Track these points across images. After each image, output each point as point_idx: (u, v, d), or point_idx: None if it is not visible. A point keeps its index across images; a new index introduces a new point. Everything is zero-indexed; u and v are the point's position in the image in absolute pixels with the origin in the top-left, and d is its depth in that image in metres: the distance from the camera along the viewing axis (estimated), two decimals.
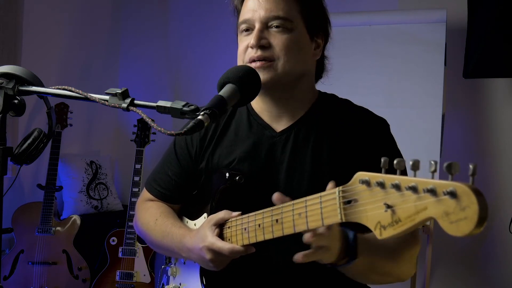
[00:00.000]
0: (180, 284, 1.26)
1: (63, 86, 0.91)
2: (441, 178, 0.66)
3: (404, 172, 0.72)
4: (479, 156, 2.76)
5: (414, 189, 0.65)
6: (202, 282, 1.16)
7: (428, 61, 2.52)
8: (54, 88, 0.91)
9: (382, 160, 0.71)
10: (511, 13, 2.28)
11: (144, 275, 2.74)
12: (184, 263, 1.26)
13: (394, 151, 1.20)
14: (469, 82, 2.63)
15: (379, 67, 2.62)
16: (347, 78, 2.56)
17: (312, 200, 0.86)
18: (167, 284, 1.30)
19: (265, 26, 1.13)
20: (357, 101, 1.28)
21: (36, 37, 2.89)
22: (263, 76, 1.09)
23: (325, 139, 1.17)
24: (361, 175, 0.74)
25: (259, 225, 0.98)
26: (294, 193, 1.15)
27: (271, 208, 0.96)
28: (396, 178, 0.68)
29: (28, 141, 0.98)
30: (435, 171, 0.65)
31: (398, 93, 2.58)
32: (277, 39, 1.12)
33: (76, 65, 3.25)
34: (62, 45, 3.13)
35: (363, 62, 2.64)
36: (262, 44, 1.11)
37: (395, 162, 0.68)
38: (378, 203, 0.70)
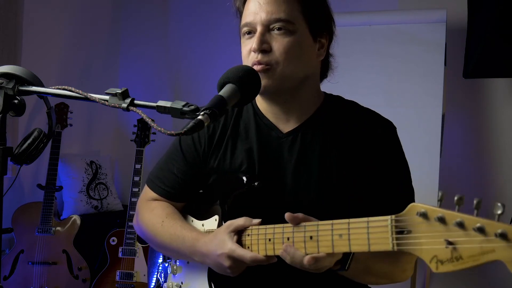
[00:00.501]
0: (182, 283, 1.24)
1: (63, 86, 0.91)
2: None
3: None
4: (479, 156, 2.76)
5: (481, 230, 0.66)
6: (210, 287, 1.15)
7: (428, 61, 2.52)
8: (54, 88, 0.91)
9: (440, 193, 0.72)
10: (511, 13, 2.28)
11: (144, 275, 2.74)
12: (188, 262, 1.24)
13: (398, 155, 1.20)
14: (469, 82, 2.63)
15: (379, 67, 2.62)
16: (347, 78, 2.54)
17: (357, 223, 0.85)
18: (165, 281, 1.29)
19: (267, 29, 1.11)
20: (357, 101, 1.27)
21: (36, 37, 2.89)
22: (263, 81, 1.08)
23: (332, 141, 1.17)
24: (417, 206, 0.75)
25: (288, 239, 0.96)
26: (301, 194, 1.15)
27: (304, 223, 0.95)
28: (459, 216, 0.69)
29: (28, 141, 0.97)
30: (502, 214, 0.65)
31: (398, 93, 2.58)
32: (278, 43, 1.10)
33: (76, 65, 3.25)
34: (62, 45, 3.14)
35: (363, 62, 2.64)
36: (264, 48, 1.10)
37: (456, 198, 0.69)
38: (438, 238, 0.71)
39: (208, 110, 0.85)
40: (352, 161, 1.15)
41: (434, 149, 2.47)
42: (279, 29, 1.11)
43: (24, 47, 2.79)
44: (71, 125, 2.86)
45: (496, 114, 2.72)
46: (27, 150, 0.97)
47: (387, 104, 2.55)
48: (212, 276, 1.15)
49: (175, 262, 1.28)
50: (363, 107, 1.24)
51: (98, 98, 0.87)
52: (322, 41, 1.19)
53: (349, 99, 1.27)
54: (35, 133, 0.99)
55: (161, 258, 1.38)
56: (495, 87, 2.70)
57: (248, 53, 1.14)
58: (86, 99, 0.88)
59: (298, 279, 1.14)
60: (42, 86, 0.93)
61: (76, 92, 0.89)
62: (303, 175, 1.16)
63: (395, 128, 1.22)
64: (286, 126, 1.20)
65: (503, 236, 0.63)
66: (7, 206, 2.55)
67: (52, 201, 2.67)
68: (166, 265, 1.31)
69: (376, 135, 1.17)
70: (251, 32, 1.14)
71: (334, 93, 1.28)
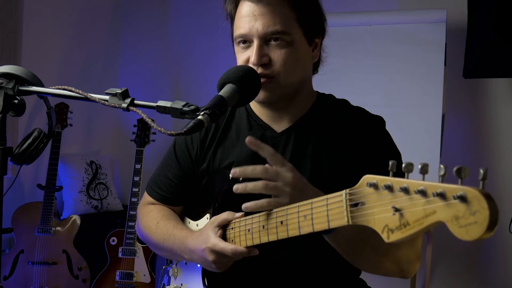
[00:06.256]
0: (181, 284, 1.26)
1: (63, 86, 0.91)
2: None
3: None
4: (479, 156, 2.76)
5: (423, 192, 0.64)
6: (204, 283, 1.16)
7: (428, 61, 2.52)
8: (54, 88, 0.91)
9: (390, 163, 0.71)
10: (511, 13, 2.28)
11: (144, 275, 2.74)
12: (186, 264, 1.26)
13: (391, 147, 1.21)
14: (469, 82, 2.63)
15: (379, 67, 2.61)
16: (347, 78, 2.56)
17: (318, 202, 0.86)
18: (168, 284, 1.30)
19: (264, 41, 1.11)
20: (357, 101, 1.28)
21: (36, 37, 2.89)
22: (265, 92, 1.09)
23: (325, 139, 1.18)
24: (368, 178, 0.74)
25: (263, 227, 0.98)
26: None
27: (276, 209, 0.96)
28: (405, 182, 0.67)
29: (28, 141, 0.98)
30: (444, 175, 0.64)
31: (398, 93, 2.58)
32: (276, 55, 1.10)
33: (76, 65, 3.25)
34: (62, 45, 3.13)
35: (363, 62, 2.64)
36: (263, 62, 1.10)
37: (403, 165, 0.68)
38: (386, 206, 0.70)
39: (208, 110, 0.85)
40: (344, 157, 1.16)
41: (434, 149, 2.47)
42: (276, 39, 1.10)
43: (24, 47, 2.79)
44: (71, 125, 2.86)
45: (496, 114, 2.72)
46: (27, 150, 0.97)
47: (387, 104, 2.55)
48: (206, 271, 1.17)
49: (176, 265, 1.29)
50: (353, 105, 1.26)
51: (98, 98, 0.88)
52: (316, 41, 1.20)
53: (348, 99, 1.28)
54: (35, 133, 0.99)
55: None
56: (495, 87, 2.70)
57: (245, 63, 1.13)
58: (86, 99, 0.88)
59: (289, 276, 1.15)
60: (42, 86, 0.93)
61: (76, 92, 0.89)
62: None
63: (384, 122, 1.23)
64: (279, 126, 1.21)
65: (441, 195, 0.62)
66: (7, 206, 2.55)
67: (52, 201, 2.67)
68: (169, 268, 1.33)
69: (367, 131, 1.19)
70: (246, 41, 1.13)
71: (334, 93, 1.29)
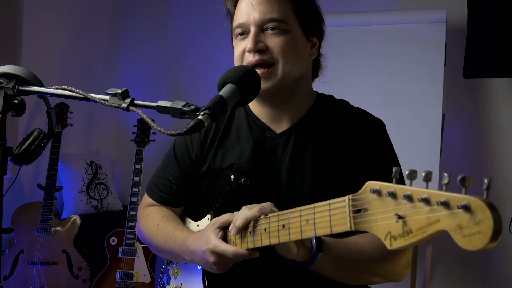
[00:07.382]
0: (181, 284, 1.26)
1: (63, 86, 0.91)
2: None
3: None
4: (479, 156, 2.76)
5: (426, 201, 0.64)
6: (204, 283, 1.16)
7: (428, 61, 2.52)
8: (54, 88, 0.91)
9: (394, 169, 0.71)
10: (511, 13, 2.28)
11: (144, 275, 2.74)
12: (186, 264, 1.26)
13: (389, 152, 1.21)
14: (469, 82, 2.63)
15: (379, 67, 2.61)
16: (347, 78, 2.56)
17: (321, 207, 0.86)
18: (168, 284, 1.30)
19: (261, 29, 1.12)
20: (357, 101, 1.28)
21: (36, 37, 2.89)
22: (264, 84, 1.09)
23: (325, 140, 1.18)
24: (371, 184, 0.74)
25: (264, 230, 0.98)
26: (296, 194, 1.16)
27: (277, 213, 0.96)
28: (408, 189, 0.67)
29: (28, 141, 0.98)
30: (448, 183, 0.64)
31: (398, 93, 2.58)
32: (273, 42, 1.11)
33: (76, 65, 3.25)
34: (62, 45, 3.13)
35: (363, 62, 2.64)
36: (260, 48, 1.11)
37: (407, 172, 0.68)
38: (389, 213, 0.70)
39: (208, 110, 0.85)
40: (344, 159, 1.16)
41: (434, 149, 2.47)
42: (272, 28, 1.12)
43: (24, 47, 2.79)
44: (71, 125, 2.86)
45: (496, 114, 2.72)
46: (27, 150, 0.97)
47: (387, 104, 2.55)
48: (206, 272, 1.17)
49: (176, 265, 1.29)
50: (353, 106, 1.26)
51: (98, 98, 0.88)
52: (314, 40, 1.20)
53: (348, 99, 1.27)
54: (35, 133, 0.99)
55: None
56: (495, 87, 2.70)
57: (242, 54, 1.14)
58: (86, 99, 0.88)
59: (289, 279, 1.15)
60: (42, 86, 0.93)
61: (76, 92, 0.89)
62: (297, 174, 1.17)
63: (385, 126, 1.23)
64: (279, 126, 1.21)
65: (445, 204, 0.62)
66: (7, 206, 2.55)
67: (52, 201, 2.67)
68: (169, 268, 1.33)
69: (367, 133, 1.19)
70: (244, 33, 1.15)
71: (334, 93, 1.29)
